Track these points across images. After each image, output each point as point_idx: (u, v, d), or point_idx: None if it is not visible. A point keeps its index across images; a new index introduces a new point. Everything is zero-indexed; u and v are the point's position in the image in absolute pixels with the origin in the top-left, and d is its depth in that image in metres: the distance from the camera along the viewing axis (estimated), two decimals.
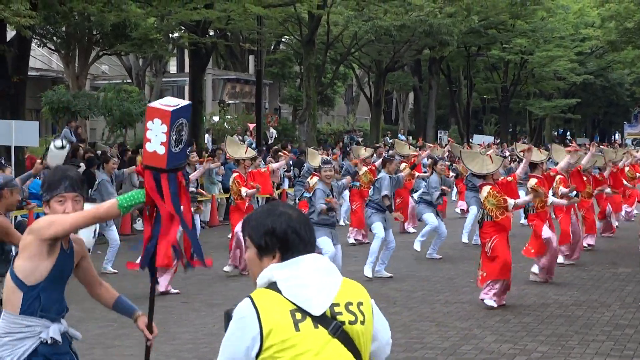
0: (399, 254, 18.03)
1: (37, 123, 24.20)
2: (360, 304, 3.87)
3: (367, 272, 16.09)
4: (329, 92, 55.98)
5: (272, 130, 43.12)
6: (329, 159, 16.13)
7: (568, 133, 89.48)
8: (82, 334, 11.77)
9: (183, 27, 36.15)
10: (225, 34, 43.74)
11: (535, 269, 15.91)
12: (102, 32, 33.89)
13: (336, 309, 3.73)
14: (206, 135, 37.22)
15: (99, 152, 26.00)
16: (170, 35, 40.49)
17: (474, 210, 20.90)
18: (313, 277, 3.73)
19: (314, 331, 3.66)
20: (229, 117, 48.48)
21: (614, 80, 73.56)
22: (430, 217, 18.85)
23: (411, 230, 23.41)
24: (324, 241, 14.04)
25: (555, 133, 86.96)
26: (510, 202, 13.35)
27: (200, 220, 25.21)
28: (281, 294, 3.70)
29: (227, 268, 16.91)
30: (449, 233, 19.76)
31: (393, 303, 13.84)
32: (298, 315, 3.66)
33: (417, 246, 18.93)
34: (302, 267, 3.73)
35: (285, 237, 3.75)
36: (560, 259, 16.95)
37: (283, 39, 54.23)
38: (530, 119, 78.70)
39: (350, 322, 3.76)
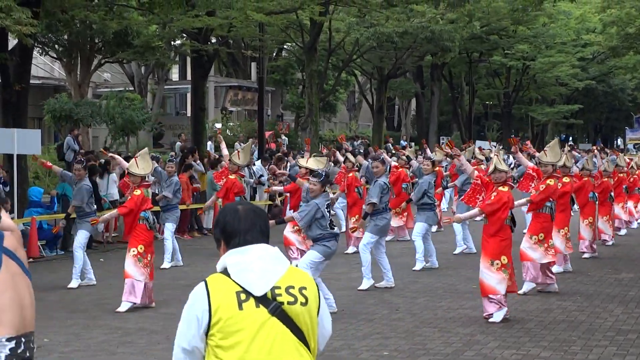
0: (401, 260, 18.03)
1: (39, 131, 24.20)
2: (303, 288, 4.38)
3: (365, 284, 15.70)
4: (331, 99, 55.98)
5: (283, 137, 43.15)
6: (319, 172, 14.81)
7: (570, 138, 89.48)
8: (87, 342, 11.86)
9: (185, 35, 36.16)
10: (227, 41, 43.74)
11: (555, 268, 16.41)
12: (104, 40, 33.96)
13: (277, 291, 4.27)
14: (208, 143, 37.24)
15: (102, 160, 26.03)
16: (172, 42, 40.58)
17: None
18: (258, 263, 4.28)
19: (255, 310, 4.21)
20: (231, 124, 48.56)
21: (615, 85, 73.61)
22: (418, 227, 18.19)
23: (407, 237, 22.65)
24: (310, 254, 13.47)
25: (558, 139, 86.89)
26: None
27: (203, 227, 25.29)
28: (230, 277, 4.28)
29: None
30: (450, 240, 19.77)
31: (396, 309, 13.84)
32: (242, 296, 4.22)
33: (418, 266, 18.11)
34: (249, 254, 4.31)
35: (226, 228, 4.39)
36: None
37: (285, 46, 54.28)
38: (533, 125, 78.70)
39: (289, 303, 4.28)
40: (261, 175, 26.88)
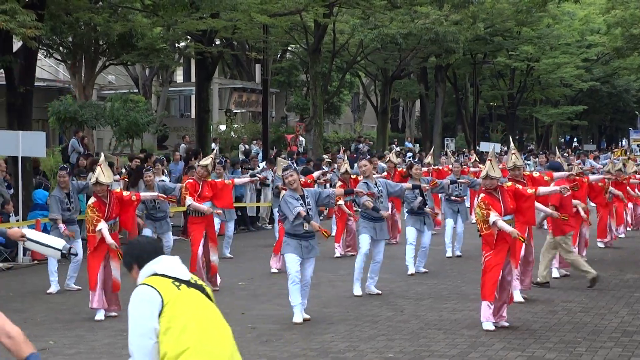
0: (404, 262, 18.00)
1: (44, 133, 24.21)
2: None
3: (356, 290, 15.33)
4: (335, 101, 55.99)
5: (301, 138, 43.20)
6: (290, 164, 14.67)
7: (575, 140, 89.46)
8: (91, 344, 11.87)
9: (189, 37, 36.20)
10: (232, 43, 43.79)
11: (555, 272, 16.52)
12: (109, 42, 33.95)
13: (194, 280, 5.74)
14: (213, 145, 37.26)
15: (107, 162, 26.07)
16: (177, 44, 40.58)
17: (450, 222, 20.45)
18: (173, 264, 5.74)
19: (189, 290, 5.60)
20: (235, 126, 48.56)
21: (620, 86, 73.56)
22: (410, 232, 17.84)
23: (393, 241, 22.41)
24: (289, 259, 13.00)
25: (562, 140, 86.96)
26: (493, 217, 12.23)
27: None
28: (160, 275, 5.62)
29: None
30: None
31: (401, 311, 13.84)
32: (176, 283, 5.58)
33: (411, 270, 17.80)
34: (164, 260, 5.75)
35: (138, 256, 5.78)
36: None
37: (289, 48, 54.30)
38: (537, 126, 78.69)
39: (205, 286, 5.79)
40: (265, 177, 26.87)
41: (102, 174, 13.99)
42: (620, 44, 51.25)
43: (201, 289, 5.69)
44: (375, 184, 15.32)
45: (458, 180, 19.91)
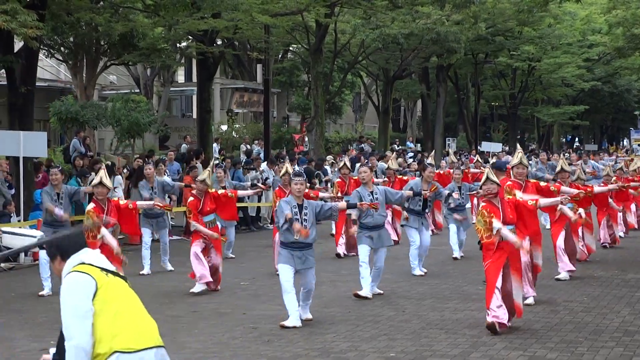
0: (407, 261, 17.99)
1: (45, 134, 24.23)
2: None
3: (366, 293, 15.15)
4: (336, 101, 55.97)
5: (307, 138, 43.21)
6: (301, 171, 14.49)
7: (576, 139, 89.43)
8: None
9: (190, 37, 36.19)
10: (233, 43, 43.79)
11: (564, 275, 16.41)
12: (110, 42, 33.96)
13: (116, 271, 6.15)
14: (214, 145, 37.25)
15: (109, 162, 26.08)
16: (178, 44, 40.56)
17: (453, 227, 20.17)
18: (97, 256, 6.13)
19: (115, 278, 6.02)
20: (237, 126, 48.57)
21: (621, 86, 73.54)
22: (411, 233, 17.67)
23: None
24: (281, 269, 12.85)
25: (564, 140, 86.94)
26: (496, 224, 12.05)
27: None
28: (88, 264, 5.99)
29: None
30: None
31: (402, 311, 13.83)
32: (104, 272, 5.97)
33: (416, 272, 17.69)
34: (89, 251, 6.11)
35: (61, 247, 6.11)
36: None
37: (291, 48, 54.29)
38: (539, 126, 78.68)
39: (125, 277, 6.18)
40: (267, 178, 26.86)
41: (106, 176, 14.04)
42: (622, 43, 51.27)
43: (124, 278, 6.13)
44: (372, 192, 15.20)
45: (453, 194, 19.33)
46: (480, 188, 12.64)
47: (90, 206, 14.23)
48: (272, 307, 14.07)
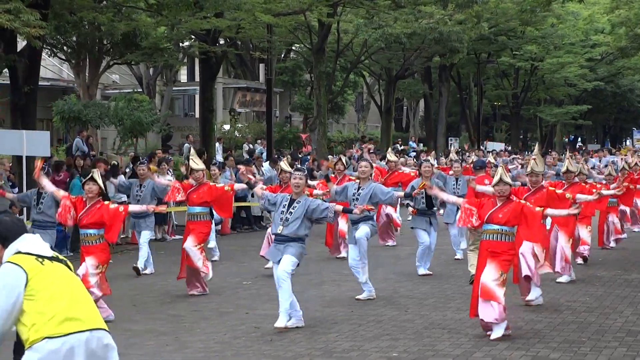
0: (410, 260, 17.98)
1: (48, 133, 24.27)
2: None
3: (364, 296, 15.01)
4: (339, 100, 55.92)
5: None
6: (303, 167, 14.27)
7: (579, 139, 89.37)
8: None
9: (193, 36, 36.18)
10: (236, 42, 43.77)
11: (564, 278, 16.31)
12: (113, 41, 33.99)
13: (57, 255, 6.19)
14: (217, 144, 37.24)
15: (115, 162, 26.07)
16: (181, 44, 40.59)
17: (454, 230, 19.86)
18: (35, 242, 6.11)
19: (52, 264, 6.04)
20: (239, 125, 48.56)
21: (624, 86, 73.49)
22: (419, 234, 17.50)
23: (390, 243, 22.51)
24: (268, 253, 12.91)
25: (566, 139, 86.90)
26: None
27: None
28: (24, 253, 5.99)
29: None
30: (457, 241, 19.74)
31: (405, 310, 13.83)
32: (39, 260, 5.98)
33: (420, 271, 17.63)
34: (27, 238, 6.09)
35: (3, 234, 6.08)
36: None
37: (293, 47, 54.25)
38: (541, 126, 78.61)
39: (67, 260, 6.24)
40: (269, 177, 26.82)
41: (99, 175, 13.86)
42: (625, 43, 51.28)
43: (64, 262, 6.20)
44: (359, 187, 15.03)
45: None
46: (493, 187, 12.27)
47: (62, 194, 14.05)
48: (275, 306, 14.03)
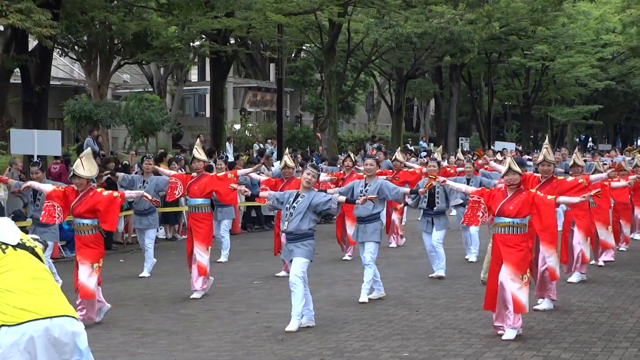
0: (421, 260, 17.96)
1: (59, 132, 24.29)
2: (31, 240, 6.32)
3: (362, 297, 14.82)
4: (349, 100, 55.96)
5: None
6: (317, 165, 14.25)
7: (590, 139, 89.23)
8: (106, 342, 11.89)
9: (204, 36, 36.24)
10: (246, 42, 43.83)
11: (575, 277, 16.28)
12: (124, 41, 34.05)
13: (23, 241, 6.18)
14: (227, 144, 37.28)
15: (126, 162, 26.10)
16: (192, 44, 40.64)
17: (465, 231, 19.68)
18: (3, 227, 6.13)
19: (16, 252, 6.06)
20: (250, 125, 48.59)
21: (635, 86, 73.33)
22: (423, 238, 17.50)
23: (392, 244, 22.31)
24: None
25: (577, 139, 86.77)
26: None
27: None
28: None
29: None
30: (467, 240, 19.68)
31: (416, 310, 13.82)
32: (3, 246, 6.03)
33: (441, 273, 17.40)
34: None
35: None
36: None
37: (304, 47, 54.31)
38: (552, 126, 78.48)
39: (35, 247, 6.23)
40: (279, 175, 26.80)
41: (81, 166, 13.22)
42: (636, 43, 51.25)
43: (30, 249, 6.19)
44: (366, 184, 14.98)
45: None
46: (502, 177, 12.22)
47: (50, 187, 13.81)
48: (286, 306, 14.05)
